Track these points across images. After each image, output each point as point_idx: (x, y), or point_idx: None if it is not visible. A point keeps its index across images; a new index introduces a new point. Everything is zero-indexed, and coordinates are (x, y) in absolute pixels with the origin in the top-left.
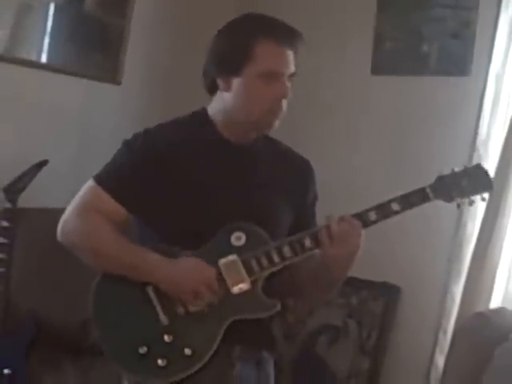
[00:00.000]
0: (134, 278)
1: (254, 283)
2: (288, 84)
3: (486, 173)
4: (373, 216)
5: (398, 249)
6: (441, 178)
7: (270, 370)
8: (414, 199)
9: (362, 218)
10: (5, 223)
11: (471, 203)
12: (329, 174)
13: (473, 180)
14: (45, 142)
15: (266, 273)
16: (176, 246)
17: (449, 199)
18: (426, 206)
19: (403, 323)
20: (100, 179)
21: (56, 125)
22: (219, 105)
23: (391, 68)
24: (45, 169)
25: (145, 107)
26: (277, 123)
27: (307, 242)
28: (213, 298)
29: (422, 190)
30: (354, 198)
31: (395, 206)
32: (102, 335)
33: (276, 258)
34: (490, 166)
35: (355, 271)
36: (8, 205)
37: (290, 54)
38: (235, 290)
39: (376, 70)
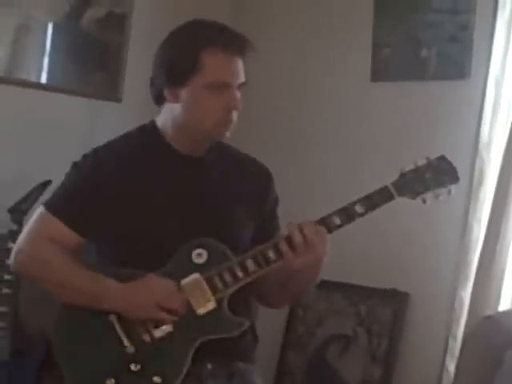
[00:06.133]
0: (92, 305)
1: (219, 301)
2: (238, 94)
3: (450, 164)
4: (337, 220)
5: (405, 255)
6: (403, 175)
7: (252, 378)
8: (377, 199)
9: (326, 223)
10: (11, 244)
11: (436, 197)
12: (330, 181)
13: (437, 172)
14: (47, 162)
15: (231, 290)
16: (133, 266)
17: (414, 195)
18: (430, 211)
19: (413, 330)
20: (49, 205)
21: (58, 144)
22: (168, 116)
23: (390, 74)
24: (49, 189)
25: None
26: (228, 134)
27: (271, 254)
28: (176, 314)
29: (385, 188)
30: None
31: (359, 208)
32: (67, 369)
33: (240, 274)
34: (493, 169)
35: (362, 279)
36: (14, 226)
37: (239, 62)
38: (201, 310)
39: (376, 76)
